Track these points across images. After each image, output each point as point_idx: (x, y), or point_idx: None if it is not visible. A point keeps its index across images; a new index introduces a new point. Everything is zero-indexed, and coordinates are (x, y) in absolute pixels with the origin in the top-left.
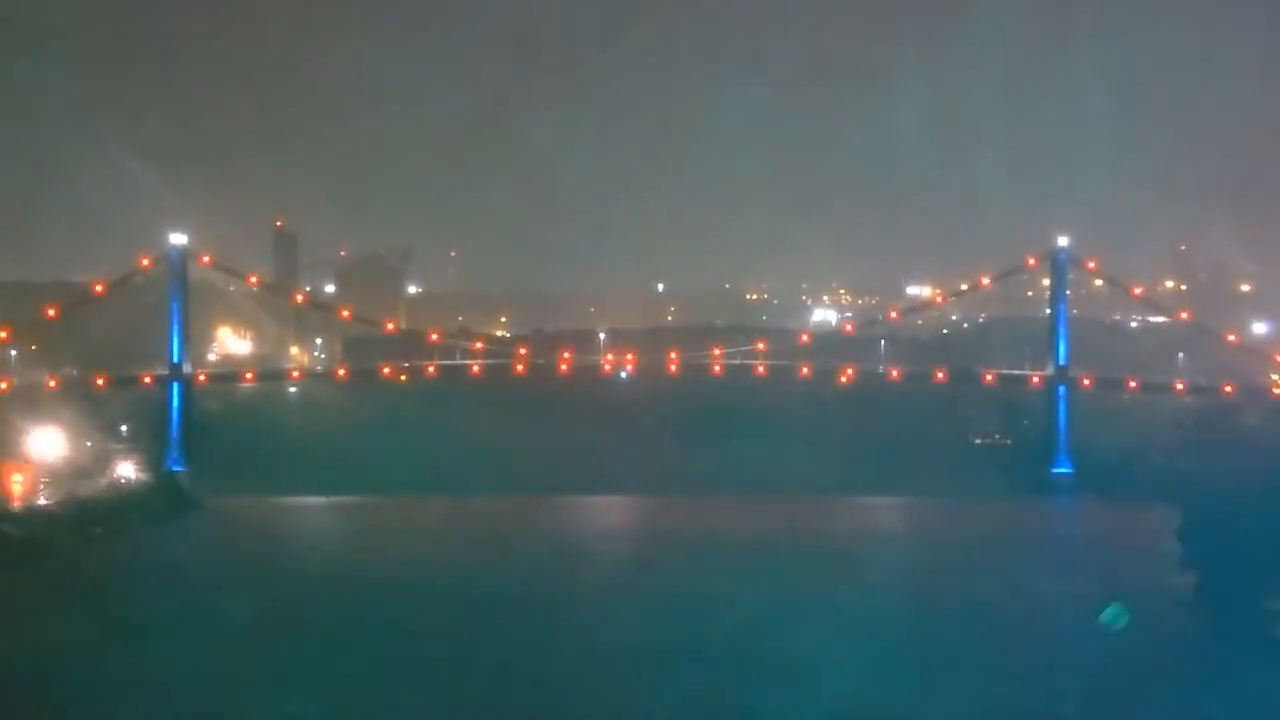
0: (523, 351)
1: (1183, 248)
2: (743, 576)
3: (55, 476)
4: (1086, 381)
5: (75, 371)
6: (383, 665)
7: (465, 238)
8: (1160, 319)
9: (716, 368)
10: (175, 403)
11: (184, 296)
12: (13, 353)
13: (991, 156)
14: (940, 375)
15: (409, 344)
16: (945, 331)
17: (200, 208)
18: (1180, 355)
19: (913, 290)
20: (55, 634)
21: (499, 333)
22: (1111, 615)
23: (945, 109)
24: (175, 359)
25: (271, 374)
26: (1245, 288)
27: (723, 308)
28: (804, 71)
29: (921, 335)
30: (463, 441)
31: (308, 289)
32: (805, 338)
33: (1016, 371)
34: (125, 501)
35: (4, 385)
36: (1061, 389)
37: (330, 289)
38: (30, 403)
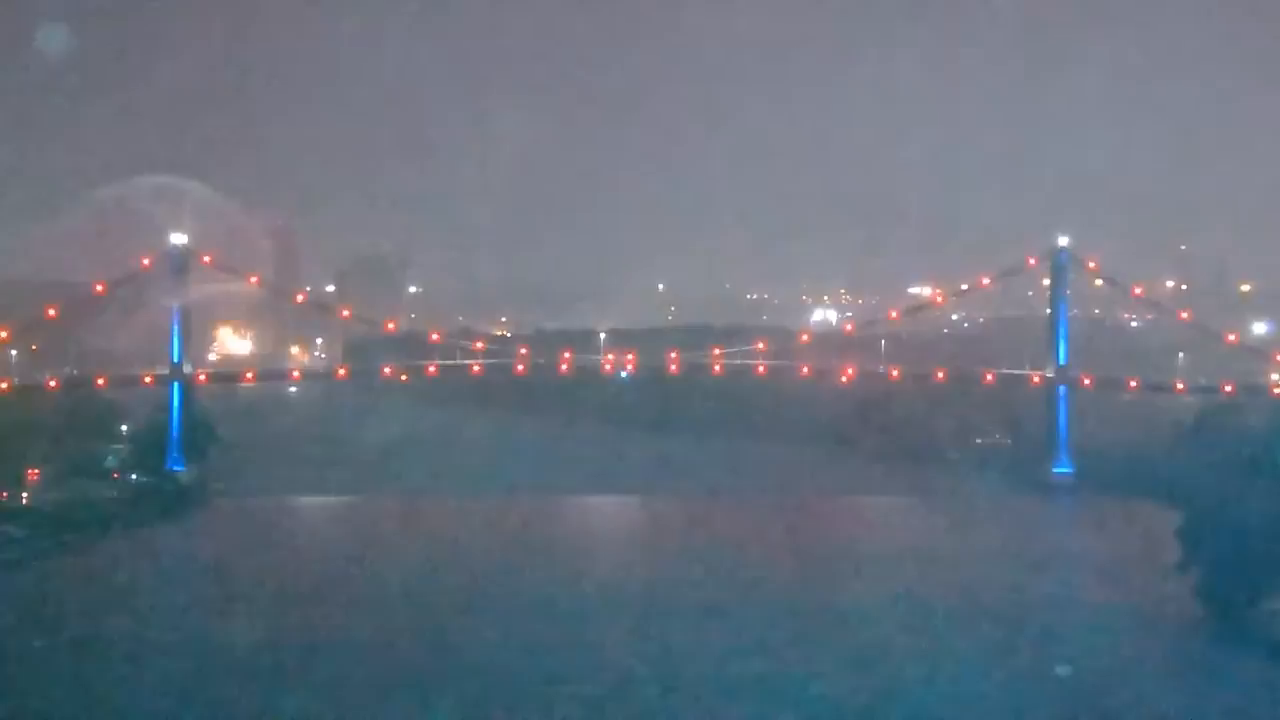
0: (523, 351)
1: (1183, 248)
2: (746, 579)
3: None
4: (1087, 381)
5: (75, 371)
6: (381, 662)
7: (465, 238)
8: (1160, 319)
9: (716, 368)
10: (175, 402)
11: (184, 297)
12: (13, 353)
13: (991, 156)
14: (940, 375)
15: (409, 344)
16: (945, 331)
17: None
18: (1180, 355)
19: (913, 290)
20: (56, 633)
21: (499, 332)
22: None
23: (946, 109)
24: (175, 359)
25: (271, 374)
26: (1245, 288)
27: (723, 308)
28: (805, 71)
29: (922, 335)
30: (463, 441)
31: (308, 289)
32: (805, 338)
33: (1017, 371)
34: (126, 501)
35: (4, 385)
36: (1062, 389)
37: (330, 289)
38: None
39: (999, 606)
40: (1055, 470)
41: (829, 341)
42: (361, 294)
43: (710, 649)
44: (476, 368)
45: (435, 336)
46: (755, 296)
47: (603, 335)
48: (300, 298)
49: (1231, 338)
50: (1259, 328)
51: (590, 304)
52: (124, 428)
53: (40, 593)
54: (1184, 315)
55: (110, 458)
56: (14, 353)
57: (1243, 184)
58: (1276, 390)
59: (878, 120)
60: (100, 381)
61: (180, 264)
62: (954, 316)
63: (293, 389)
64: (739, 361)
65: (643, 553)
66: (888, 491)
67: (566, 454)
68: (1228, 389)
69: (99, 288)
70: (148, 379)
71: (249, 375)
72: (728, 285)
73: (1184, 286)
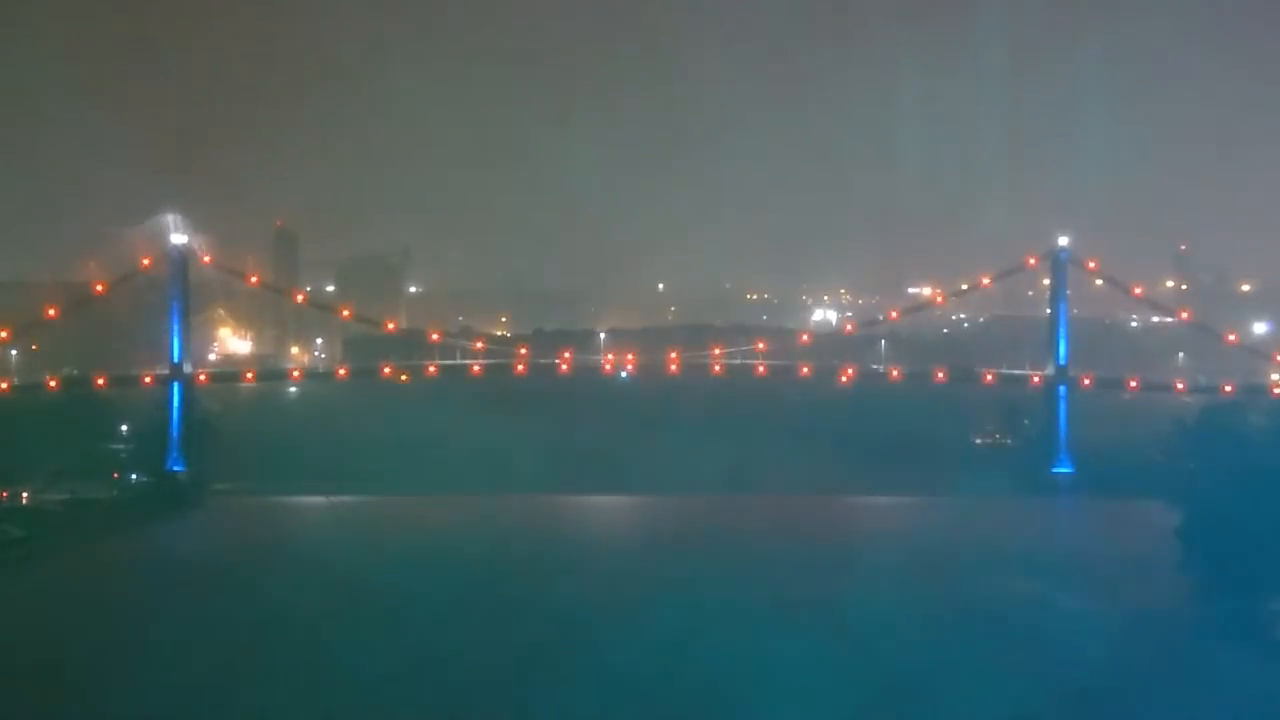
0: (523, 351)
1: (1183, 248)
2: (745, 577)
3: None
4: (1087, 381)
5: (75, 371)
6: (380, 661)
7: (465, 238)
8: (1160, 319)
9: (716, 368)
10: (175, 402)
11: (184, 296)
12: (13, 353)
13: (991, 156)
14: (940, 375)
15: (409, 344)
16: (945, 331)
17: (201, 208)
18: (1180, 355)
19: (913, 290)
20: (56, 633)
21: (499, 332)
22: None
23: (946, 109)
24: (175, 359)
25: (271, 374)
26: (1245, 288)
27: (723, 308)
28: (805, 71)
29: (922, 335)
30: (463, 441)
31: (308, 289)
32: (805, 338)
33: (1017, 371)
34: (126, 501)
35: (4, 385)
36: (1062, 388)
37: (330, 289)
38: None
39: (997, 606)
40: (1055, 469)
41: (829, 341)
42: (361, 294)
43: (706, 645)
44: (476, 367)
45: (435, 336)
46: (755, 296)
47: (603, 335)
48: (300, 298)
49: (1231, 338)
50: (1259, 328)
51: (590, 304)
52: (124, 428)
53: (40, 593)
54: (1184, 315)
55: (110, 457)
56: (14, 353)
57: (1243, 184)
58: (1276, 390)
59: (878, 120)
60: (100, 381)
61: (180, 264)
62: (954, 316)
63: (293, 389)
64: (739, 361)
65: (648, 555)
66: (889, 491)
67: (566, 454)
68: (1228, 389)
69: (99, 288)
70: (148, 379)
71: (249, 375)
72: (728, 285)
73: (1184, 286)
